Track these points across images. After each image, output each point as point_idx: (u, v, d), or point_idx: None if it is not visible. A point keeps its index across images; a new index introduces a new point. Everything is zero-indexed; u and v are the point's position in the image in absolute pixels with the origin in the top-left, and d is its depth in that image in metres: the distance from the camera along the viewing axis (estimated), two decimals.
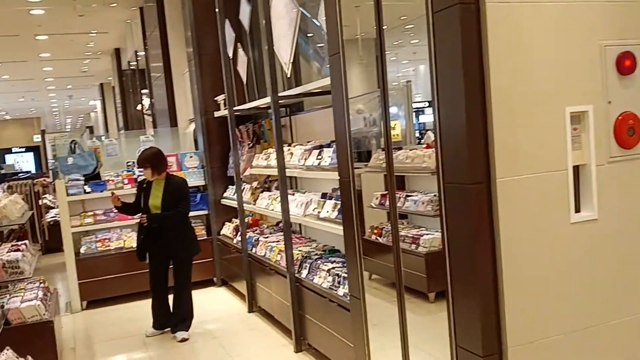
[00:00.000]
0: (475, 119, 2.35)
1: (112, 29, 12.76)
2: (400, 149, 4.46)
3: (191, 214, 7.19)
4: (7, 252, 4.90)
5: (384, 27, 3.03)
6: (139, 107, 13.64)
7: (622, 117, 2.60)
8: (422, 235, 4.08)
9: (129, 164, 7.33)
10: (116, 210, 5.65)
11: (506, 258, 2.39)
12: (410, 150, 4.26)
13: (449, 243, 2.50)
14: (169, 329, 5.39)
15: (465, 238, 2.40)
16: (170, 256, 5.30)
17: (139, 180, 5.55)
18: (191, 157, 7.38)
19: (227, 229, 6.86)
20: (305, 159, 4.67)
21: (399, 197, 4.69)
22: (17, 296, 4.75)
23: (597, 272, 2.57)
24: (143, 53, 11.46)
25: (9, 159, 27.27)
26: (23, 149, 28.23)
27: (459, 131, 2.37)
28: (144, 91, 12.66)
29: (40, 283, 5.21)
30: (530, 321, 2.43)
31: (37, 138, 25.00)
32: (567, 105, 2.49)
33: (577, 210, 2.56)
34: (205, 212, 7.24)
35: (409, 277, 4.18)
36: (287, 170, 4.87)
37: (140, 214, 5.20)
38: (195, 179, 7.29)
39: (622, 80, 2.61)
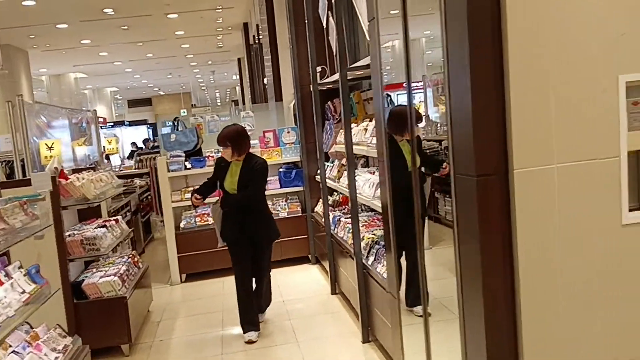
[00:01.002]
0: (486, 92, 1.87)
1: (236, 4, 12.99)
2: None
3: (287, 190, 7.20)
4: (96, 227, 5.11)
5: None
6: (264, 82, 13.88)
7: None
8: None
9: None
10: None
11: (525, 270, 1.91)
12: None
13: (459, 247, 2.05)
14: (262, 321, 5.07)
15: (472, 243, 1.95)
16: (251, 241, 4.83)
17: (217, 159, 5.07)
18: (288, 132, 7.25)
19: (320, 207, 6.66)
20: (373, 136, 4.29)
21: None
22: (101, 270, 4.96)
23: None
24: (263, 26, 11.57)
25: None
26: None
27: (464, 109, 1.91)
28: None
29: (129, 258, 5.40)
30: (558, 348, 1.93)
31: (183, 112, 26.66)
32: (622, 72, 1.91)
33: (633, 208, 1.98)
34: (301, 188, 7.10)
35: None
36: (355, 147, 4.52)
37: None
38: (292, 155, 7.17)
39: None
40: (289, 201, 7.20)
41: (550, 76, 1.86)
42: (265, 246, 4.94)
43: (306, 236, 7.00)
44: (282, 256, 6.85)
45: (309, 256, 7.04)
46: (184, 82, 27.72)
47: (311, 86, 6.50)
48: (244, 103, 21.36)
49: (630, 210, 1.96)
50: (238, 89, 32.64)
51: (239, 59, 21.38)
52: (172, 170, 6.79)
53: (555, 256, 1.91)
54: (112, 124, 24.48)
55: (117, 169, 10.38)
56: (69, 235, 4.76)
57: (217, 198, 4.97)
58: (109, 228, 5.17)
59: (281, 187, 7.13)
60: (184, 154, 6.91)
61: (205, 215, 7.01)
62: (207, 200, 5.10)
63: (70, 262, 4.66)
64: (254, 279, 4.95)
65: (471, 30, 1.83)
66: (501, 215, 1.90)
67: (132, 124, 24.99)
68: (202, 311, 5.67)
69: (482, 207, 1.89)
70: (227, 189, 4.77)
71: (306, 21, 5.91)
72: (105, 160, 13.27)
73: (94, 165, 6.60)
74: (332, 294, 5.71)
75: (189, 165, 6.86)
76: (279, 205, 7.12)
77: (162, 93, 31.71)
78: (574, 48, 1.87)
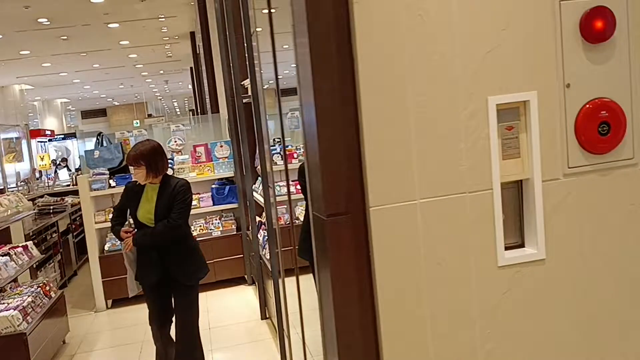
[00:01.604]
0: (334, 124, 1.61)
1: (179, 13, 12.61)
2: None
3: (221, 207, 6.88)
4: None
5: None
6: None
7: (590, 106, 1.73)
8: None
9: None
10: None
11: (387, 320, 1.65)
12: None
13: (320, 294, 1.79)
14: None
15: (327, 287, 1.69)
16: (170, 283, 3.98)
17: (126, 185, 4.15)
18: (221, 146, 6.94)
19: None
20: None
21: None
22: (3, 304, 4.57)
23: (541, 344, 1.75)
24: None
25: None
26: (129, 133, 29.61)
27: (312, 142, 1.65)
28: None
29: (39, 287, 5.02)
30: None
31: (136, 123, 26.09)
32: (491, 93, 1.67)
33: (513, 246, 1.75)
34: (235, 205, 6.79)
35: None
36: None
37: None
38: (225, 170, 6.87)
39: (591, 50, 1.73)
40: (223, 219, 6.89)
41: (409, 103, 1.61)
42: (190, 286, 3.99)
43: (242, 255, 6.69)
44: (216, 277, 6.53)
45: (245, 277, 6.73)
46: (138, 92, 27.12)
47: (243, 98, 6.21)
48: (198, 113, 20.92)
49: (507, 248, 1.72)
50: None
51: (191, 68, 20.96)
52: (95, 189, 6.41)
53: (422, 304, 1.66)
54: (63, 136, 23.73)
55: (50, 186, 9.89)
56: None
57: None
58: (13, 256, 4.79)
59: (214, 204, 6.82)
60: (108, 172, 6.54)
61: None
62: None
63: None
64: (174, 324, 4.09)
65: (314, 57, 1.57)
66: (358, 258, 1.64)
67: (84, 135, 24.24)
68: (121, 342, 5.31)
69: (335, 251, 1.63)
70: (142, 220, 3.89)
71: (227, 32, 5.61)
72: (52, 175, 12.79)
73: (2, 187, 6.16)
74: (262, 319, 5.41)
75: (113, 184, 6.49)
76: (212, 223, 6.80)
77: (116, 103, 31.01)
78: (436, 70, 1.62)
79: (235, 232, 6.72)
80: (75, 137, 24.41)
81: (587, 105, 1.73)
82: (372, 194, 1.61)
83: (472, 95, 1.65)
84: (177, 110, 38.76)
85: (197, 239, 6.34)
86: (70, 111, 30.17)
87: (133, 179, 4.04)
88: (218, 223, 6.80)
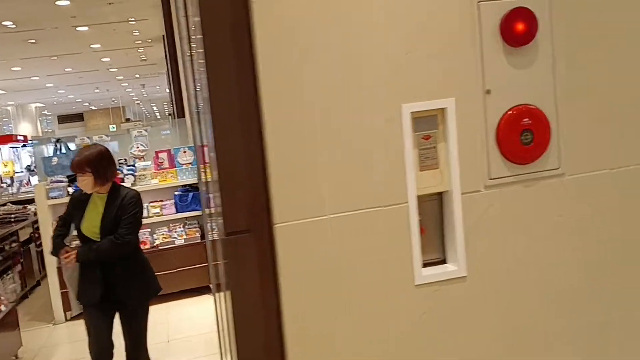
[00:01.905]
0: (234, 133, 1.49)
1: (150, 16, 12.46)
2: None
3: (185, 215, 6.74)
4: None
5: None
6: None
7: (513, 113, 1.63)
8: None
9: (120, 161, 6.88)
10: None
11: (295, 344, 1.54)
12: None
13: (227, 318, 1.67)
14: None
15: (229, 315, 1.58)
16: (117, 304, 3.76)
17: (72, 194, 3.96)
18: (185, 152, 6.80)
19: None
20: None
21: None
22: None
23: None
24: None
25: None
26: (106, 138, 29.34)
27: (212, 154, 1.54)
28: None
29: None
30: None
31: (112, 128, 25.83)
32: (406, 100, 1.56)
33: (436, 262, 1.65)
34: (199, 212, 6.66)
35: None
36: None
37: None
38: (189, 177, 6.74)
39: (512, 54, 1.63)
40: (187, 227, 6.74)
41: (316, 112, 1.49)
42: (138, 308, 3.79)
43: (207, 264, 6.54)
44: (179, 287, 6.39)
45: (210, 286, 6.59)
46: (114, 96, 26.82)
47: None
48: (175, 117, 20.72)
49: (429, 264, 1.62)
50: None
51: (167, 72, 20.75)
52: (53, 198, 6.24)
53: (334, 325, 1.55)
54: (38, 141, 23.38)
55: (14, 194, 9.67)
56: None
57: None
58: None
59: (177, 211, 6.67)
60: (66, 179, 6.37)
61: None
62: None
63: None
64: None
65: (210, 66, 1.46)
66: (263, 279, 1.53)
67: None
68: (77, 355, 5.14)
69: (236, 271, 1.51)
70: (87, 234, 3.63)
71: (190, 38, 5.46)
72: (22, 181, 12.55)
73: None
74: None
75: (72, 191, 6.31)
76: (176, 231, 6.65)
77: (93, 108, 30.66)
78: (344, 76, 1.50)
79: (199, 240, 6.59)
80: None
81: (509, 112, 1.63)
82: (278, 209, 1.50)
83: (385, 102, 1.54)
84: (157, 114, 38.46)
85: (160, 248, 6.37)
86: (46, 116, 29.78)
87: (78, 189, 3.80)
88: (182, 231, 6.65)
